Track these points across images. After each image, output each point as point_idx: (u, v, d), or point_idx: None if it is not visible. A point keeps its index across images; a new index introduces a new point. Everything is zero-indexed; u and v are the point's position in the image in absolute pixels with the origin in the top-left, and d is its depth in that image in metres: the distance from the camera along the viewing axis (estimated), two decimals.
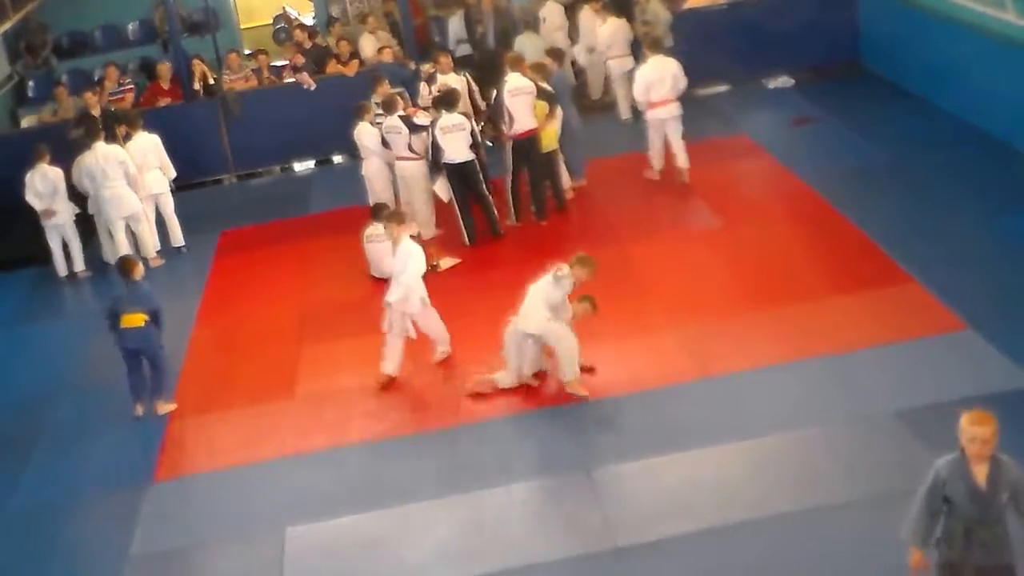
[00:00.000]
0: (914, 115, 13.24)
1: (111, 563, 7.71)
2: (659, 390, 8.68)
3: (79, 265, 12.43)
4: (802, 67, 15.10)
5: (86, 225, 12.54)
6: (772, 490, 7.43)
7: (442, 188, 11.57)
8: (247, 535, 7.81)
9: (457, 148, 11.33)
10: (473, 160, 11.45)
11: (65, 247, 12.38)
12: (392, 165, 11.99)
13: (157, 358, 9.40)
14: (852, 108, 13.80)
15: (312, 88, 14.28)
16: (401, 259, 9.25)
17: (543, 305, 8.67)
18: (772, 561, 6.83)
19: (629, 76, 13.51)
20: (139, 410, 9.40)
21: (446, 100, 11.51)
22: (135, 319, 9.23)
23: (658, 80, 12.30)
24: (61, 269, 12.40)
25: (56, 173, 12.10)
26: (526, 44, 13.94)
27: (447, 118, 11.36)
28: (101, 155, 11.91)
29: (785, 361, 8.76)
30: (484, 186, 11.64)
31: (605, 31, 14.28)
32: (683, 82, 12.44)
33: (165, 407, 9.42)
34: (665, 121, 12.36)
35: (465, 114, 11.66)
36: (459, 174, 11.44)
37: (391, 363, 9.30)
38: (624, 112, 14.54)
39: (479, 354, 9.55)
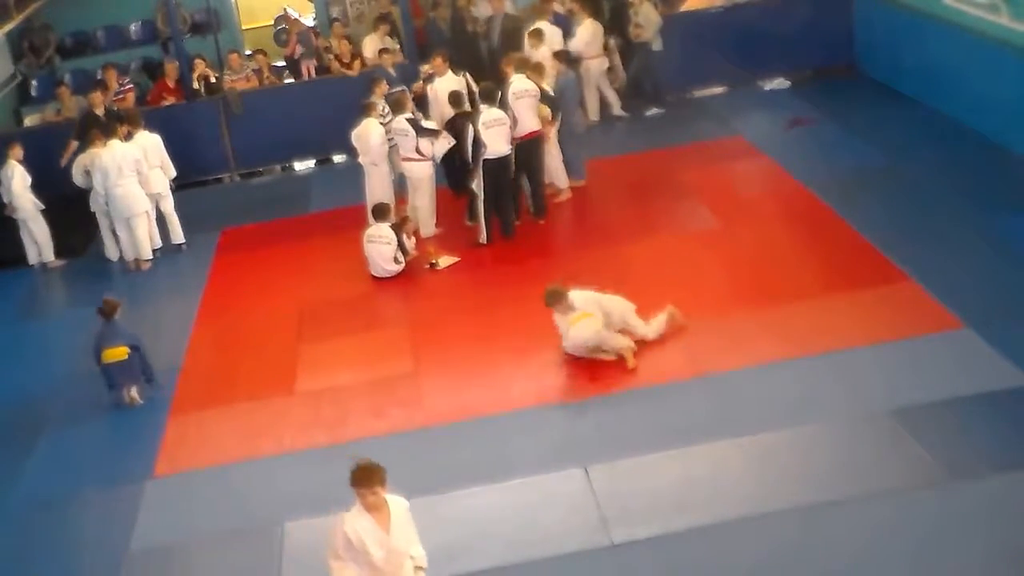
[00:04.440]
0: (909, 116, 13.31)
1: (110, 558, 7.74)
2: (656, 387, 8.75)
3: (48, 256, 12.75)
4: (798, 69, 15.19)
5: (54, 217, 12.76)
6: (768, 487, 7.48)
7: (479, 188, 11.46)
8: (246, 530, 7.86)
9: (498, 143, 11.33)
10: (510, 155, 11.49)
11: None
12: (387, 163, 12.08)
13: (144, 380, 9.64)
14: (847, 110, 13.88)
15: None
16: (406, 532, 6.11)
17: None
18: (768, 558, 6.87)
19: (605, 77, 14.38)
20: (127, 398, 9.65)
21: (488, 95, 11.51)
22: (118, 352, 9.45)
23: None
24: (32, 257, 12.72)
25: (17, 170, 12.32)
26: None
27: (488, 112, 11.34)
28: (119, 153, 12.04)
29: (781, 359, 8.80)
30: (516, 182, 11.72)
31: (584, 32, 14.17)
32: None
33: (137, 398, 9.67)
34: None
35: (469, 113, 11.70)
36: (496, 169, 11.40)
37: None
38: (592, 114, 14.53)
39: (479, 352, 9.63)
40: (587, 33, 14.25)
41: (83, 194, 12.53)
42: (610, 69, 14.81)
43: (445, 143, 11.77)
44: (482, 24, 15.24)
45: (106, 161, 11.98)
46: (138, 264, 12.35)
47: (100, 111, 13.35)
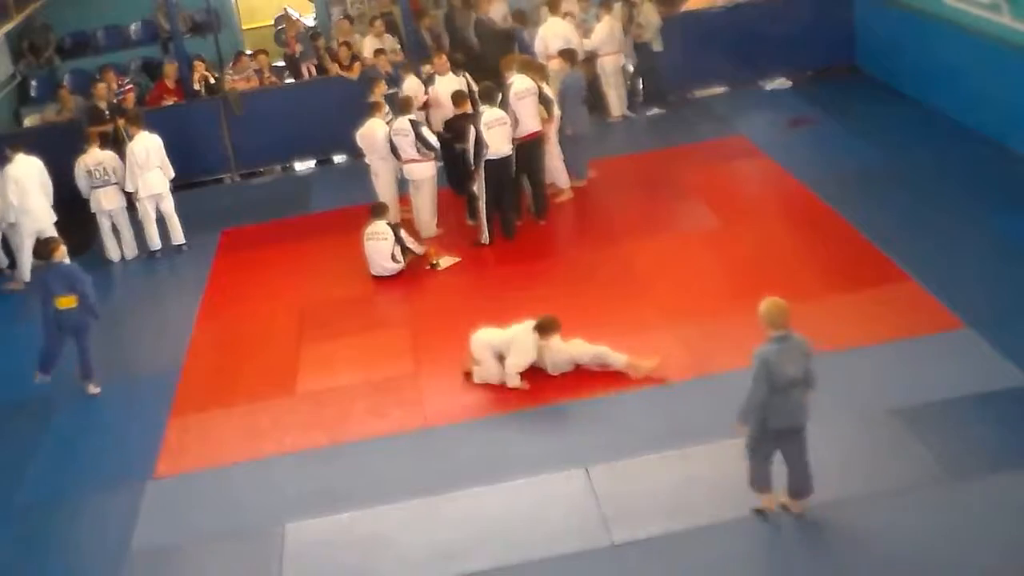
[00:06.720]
0: (909, 116, 13.32)
1: (111, 559, 7.76)
2: (656, 387, 8.75)
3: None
4: (799, 69, 15.20)
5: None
6: None
7: (481, 188, 11.46)
8: (247, 531, 7.87)
9: (499, 143, 11.33)
10: (512, 155, 11.49)
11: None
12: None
13: (86, 339, 9.79)
14: (848, 109, 13.89)
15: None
16: None
17: None
18: (768, 558, 6.90)
19: (623, 72, 14.50)
20: (39, 378, 9.85)
21: (488, 95, 11.52)
22: (68, 301, 9.62)
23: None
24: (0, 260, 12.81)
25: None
26: (551, 30, 13.77)
27: (490, 112, 11.36)
28: (36, 169, 12.04)
29: None
30: (517, 181, 11.73)
31: (601, 29, 14.32)
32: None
33: (95, 388, 9.83)
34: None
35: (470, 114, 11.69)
36: (498, 169, 11.40)
37: None
38: (616, 110, 14.70)
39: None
40: (604, 30, 14.30)
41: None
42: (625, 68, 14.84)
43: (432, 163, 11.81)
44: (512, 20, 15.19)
45: (19, 173, 11.92)
46: None
47: (103, 104, 13.34)
